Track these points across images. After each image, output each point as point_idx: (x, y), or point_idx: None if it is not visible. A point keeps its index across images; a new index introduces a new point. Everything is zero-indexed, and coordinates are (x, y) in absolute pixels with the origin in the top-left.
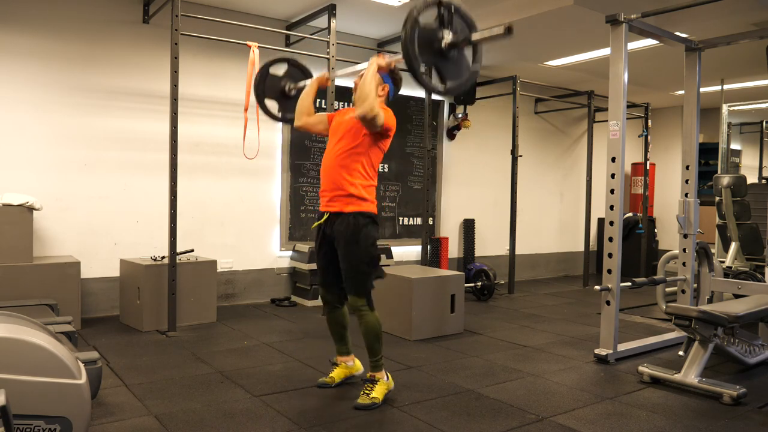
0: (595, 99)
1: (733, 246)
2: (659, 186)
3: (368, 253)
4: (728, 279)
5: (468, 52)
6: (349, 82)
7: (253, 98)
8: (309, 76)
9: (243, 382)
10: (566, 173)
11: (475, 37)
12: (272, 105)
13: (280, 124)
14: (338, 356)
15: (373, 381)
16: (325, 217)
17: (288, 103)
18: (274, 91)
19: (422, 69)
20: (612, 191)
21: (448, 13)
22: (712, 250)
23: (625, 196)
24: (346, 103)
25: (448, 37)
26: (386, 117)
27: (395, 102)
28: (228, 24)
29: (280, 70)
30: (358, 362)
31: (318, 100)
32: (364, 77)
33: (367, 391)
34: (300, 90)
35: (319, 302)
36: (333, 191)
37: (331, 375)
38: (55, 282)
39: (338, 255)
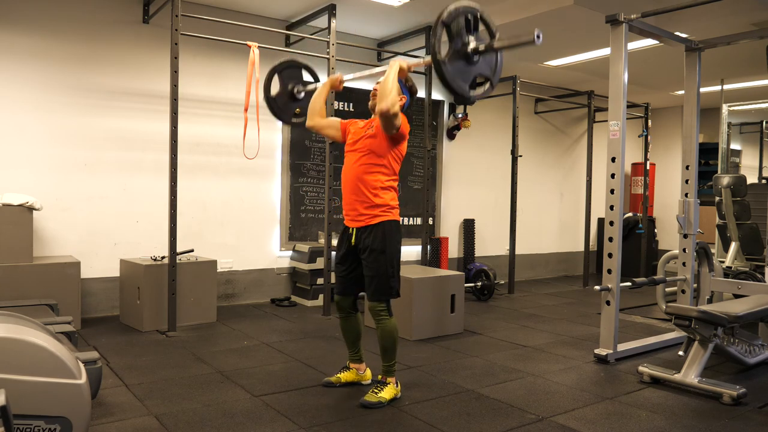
0: (595, 99)
1: (733, 246)
2: (659, 186)
3: (394, 257)
4: (728, 279)
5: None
6: (352, 84)
7: (253, 98)
8: (314, 75)
9: (243, 382)
10: (566, 173)
11: (497, 44)
12: (281, 107)
13: (280, 123)
14: (350, 362)
15: (384, 383)
16: (353, 233)
17: (296, 105)
18: (283, 93)
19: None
20: (612, 191)
21: (473, 20)
22: (712, 250)
23: (625, 196)
24: (347, 104)
25: (473, 43)
26: (402, 121)
27: None
28: (228, 24)
29: (286, 72)
30: (369, 372)
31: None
32: (387, 76)
33: (375, 391)
34: (308, 92)
35: (319, 302)
36: (358, 205)
37: (338, 375)
38: (55, 282)
39: (363, 264)
